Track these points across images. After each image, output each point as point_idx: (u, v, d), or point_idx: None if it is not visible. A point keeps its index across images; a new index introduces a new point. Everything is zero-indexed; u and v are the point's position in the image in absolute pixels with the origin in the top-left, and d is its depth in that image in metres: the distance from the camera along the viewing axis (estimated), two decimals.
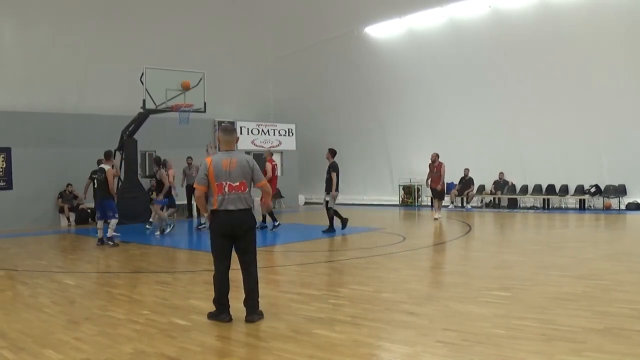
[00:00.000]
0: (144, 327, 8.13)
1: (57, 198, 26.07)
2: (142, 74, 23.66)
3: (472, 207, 30.17)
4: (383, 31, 31.67)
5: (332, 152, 19.88)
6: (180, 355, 6.82)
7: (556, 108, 26.40)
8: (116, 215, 17.91)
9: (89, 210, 26.43)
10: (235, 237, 8.49)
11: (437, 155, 24.33)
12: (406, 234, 19.05)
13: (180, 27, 30.23)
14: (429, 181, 24.65)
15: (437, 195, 24.65)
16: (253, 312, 8.41)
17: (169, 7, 29.56)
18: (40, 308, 9.52)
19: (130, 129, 24.95)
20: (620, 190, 26.08)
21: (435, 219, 23.58)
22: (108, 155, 18.16)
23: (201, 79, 25.03)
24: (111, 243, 17.56)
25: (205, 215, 8.69)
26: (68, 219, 25.92)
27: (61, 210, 25.96)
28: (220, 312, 8.47)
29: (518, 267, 12.28)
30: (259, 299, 8.59)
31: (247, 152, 32.29)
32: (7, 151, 24.72)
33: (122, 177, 24.78)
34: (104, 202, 17.72)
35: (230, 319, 8.38)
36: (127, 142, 24.99)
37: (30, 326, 8.34)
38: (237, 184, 8.47)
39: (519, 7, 26.15)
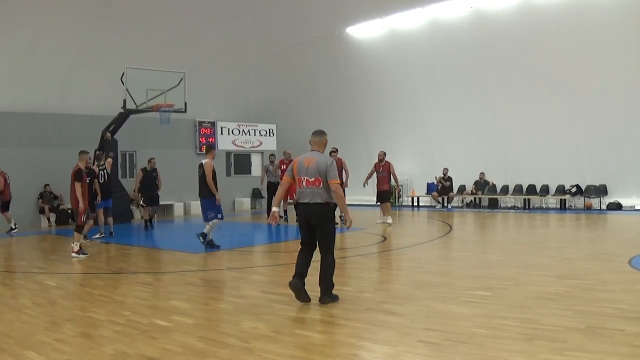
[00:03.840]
0: (125, 328, 8.09)
1: (38, 199, 25.93)
2: (123, 73, 23.62)
3: (453, 207, 30.23)
4: (364, 31, 31.69)
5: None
6: (161, 356, 6.81)
7: (538, 108, 26.50)
8: (219, 216, 16.28)
9: (69, 211, 26.36)
10: (310, 228, 9.41)
11: (385, 154, 22.81)
12: (387, 234, 19.08)
13: (162, 27, 30.14)
14: (366, 181, 23.12)
15: (385, 197, 22.74)
16: (323, 294, 9.34)
17: (152, 7, 29.45)
18: (21, 309, 9.48)
19: (111, 129, 24.86)
20: (601, 190, 26.19)
21: (389, 223, 21.92)
22: (209, 149, 16.79)
23: (182, 79, 25.03)
24: (217, 246, 16.25)
25: (274, 207, 9.82)
26: (48, 219, 25.74)
27: (41, 211, 25.82)
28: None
29: (499, 266, 12.33)
30: (334, 285, 9.46)
31: (228, 153, 32.34)
32: None
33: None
34: (203, 201, 16.50)
35: (292, 283, 9.34)
36: (107, 143, 24.85)
37: (12, 327, 8.31)
38: (313, 179, 9.28)
39: (501, 8, 26.24)
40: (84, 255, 15.46)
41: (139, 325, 8.22)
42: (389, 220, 21.88)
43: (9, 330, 8.17)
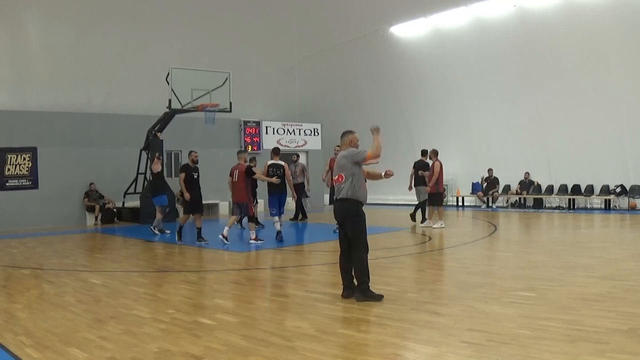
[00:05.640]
0: (169, 326, 8.16)
1: (83, 197, 26.19)
2: (168, 73, 23.76)
3: (498, 207, 30.07)
4: (408, 31, 31.61)
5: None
6: (205, 355, 6.84)
7: (582, 108, 26.24)
8: (283, 210, 18.64)
9: (114, 210, 26.54)
10: (341, 223, 9.77)
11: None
12: (431, 234, 19.02)
13: (206, 27, 30.28)
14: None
15: (431, 199, 21.46)
16: (355, 291, 9.51)
17: (195, 6, 29.63)
18: (65, 307, 9.58)
19: (156, 128, 25.01)
20: None
21: (434, 228, 20.67)
22: (278, 151, 18.75)
23: (227, 78, 25.10)
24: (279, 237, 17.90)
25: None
26: (96, 218, 25.94)
27: (90, 209, 26.07)
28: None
29: (543, 267, 12.24)
30: (369, 282, 9.47)
31: None
32: (33, 151, 24.87)
33: (148, 177, 24.78)
34: (280, 197, 18.29)
35: (343, 295, 9.64)
36: (153, 142, 24.97)
37: (56, 325, 8.40)
38: (336, 177, 9.73)
39: (545, 6, 25.98)
40: (261, 241, 17.33)
41: (183, 324, 8.28)
42: (435, 225, 20.83)
43: (53, 327, 8.27)
